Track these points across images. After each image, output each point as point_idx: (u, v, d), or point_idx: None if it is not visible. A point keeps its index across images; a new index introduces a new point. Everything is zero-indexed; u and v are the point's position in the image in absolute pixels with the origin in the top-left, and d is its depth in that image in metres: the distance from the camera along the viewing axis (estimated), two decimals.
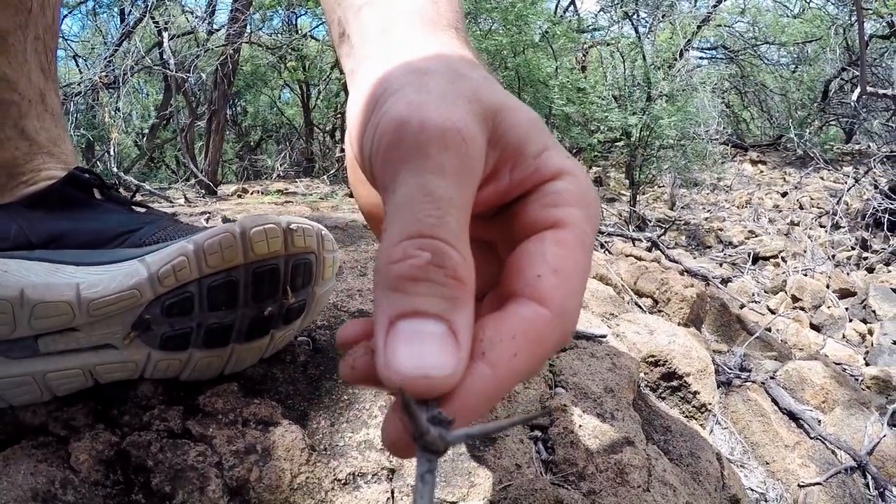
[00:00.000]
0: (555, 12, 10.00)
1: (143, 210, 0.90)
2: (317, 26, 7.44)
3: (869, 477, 1.72)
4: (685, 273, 3.14)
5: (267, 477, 0.68)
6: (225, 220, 1.78)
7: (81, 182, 0.83)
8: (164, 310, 0.71)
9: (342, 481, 0.70)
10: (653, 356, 1.29)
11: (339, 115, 7.41)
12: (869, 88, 6.87)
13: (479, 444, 0.78)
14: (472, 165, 0.34)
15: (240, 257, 0.73)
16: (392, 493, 0.71)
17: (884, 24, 8.81)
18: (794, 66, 13.61)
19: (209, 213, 1.99)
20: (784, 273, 5.61)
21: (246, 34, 5.75)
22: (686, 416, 1.36)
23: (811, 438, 1.72)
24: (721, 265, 5.77)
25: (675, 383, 1.33)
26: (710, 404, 1.37)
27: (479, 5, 4.92)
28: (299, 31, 7.39)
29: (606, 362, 1.04)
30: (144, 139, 7.06)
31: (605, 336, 1.13)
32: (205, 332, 0.74)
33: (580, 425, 0.84)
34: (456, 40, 0.45)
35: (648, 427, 1.09)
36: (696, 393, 1.35)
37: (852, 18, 9.55)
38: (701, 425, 1.41)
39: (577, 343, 1.09)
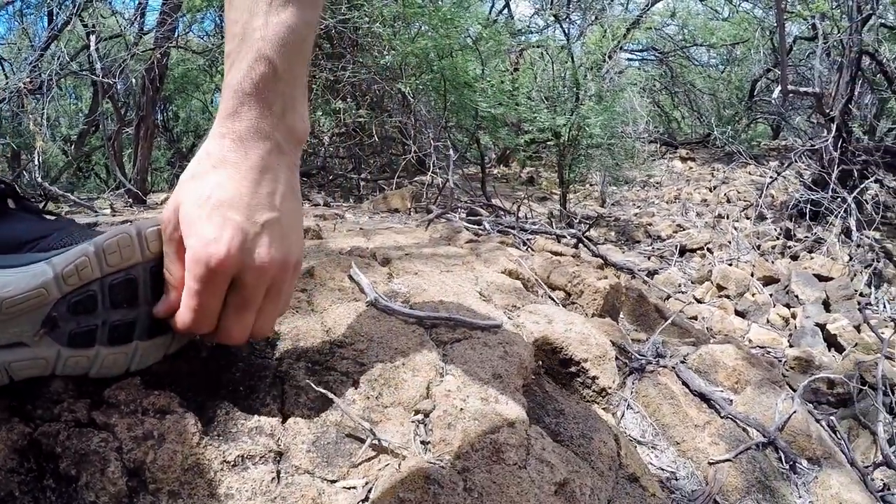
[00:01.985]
0: (489, 15, 10.12)
1: (52, 218, 0.94)
2: None
3: (780, 451, 1.82)
4: (607, 267, 3.24)
5: (160, 459, 0.74)
6: None
7: None
8: (69, 308, 0.76)
9: (231, 463, 0.77)
10: (549, 344, 1.37)
11: None
12: (790, 87, 7.15)
13: (361, 427, 0.84)
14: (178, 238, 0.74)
15: (137, 256, 0.79)
16: (278, 473, 0.77)
17: (808, 26, 9.13)
18: (722, 66, 14.03)
19: (130, 222, 2.01)
20: (710, 263, 5.80)
21: (175, 37, 5.69)
22: (587, 401, 1.44)
23: (722, 418, 1.80)
24: (649, 258, 5.94)
25: (572, 369, 1.41)
26: (609, 388, 1.45)
27: (406, 9, 4.98)
28: None
29: (498, 350, 1.11)
30: (73, 147, 6.92)
31: (499, 326, 1.20)
32: (109, 329, 0.79)
33: (461, 409, 0.91)
34: (230, 136, 0.75)
35: (541, 410, 1.16)
36: (594, 378, 1.43)
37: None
38: (604, 409, 1.49)
39: (473, 334, 1.16)
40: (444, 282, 1.44)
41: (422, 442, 0.86)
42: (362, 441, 0.84)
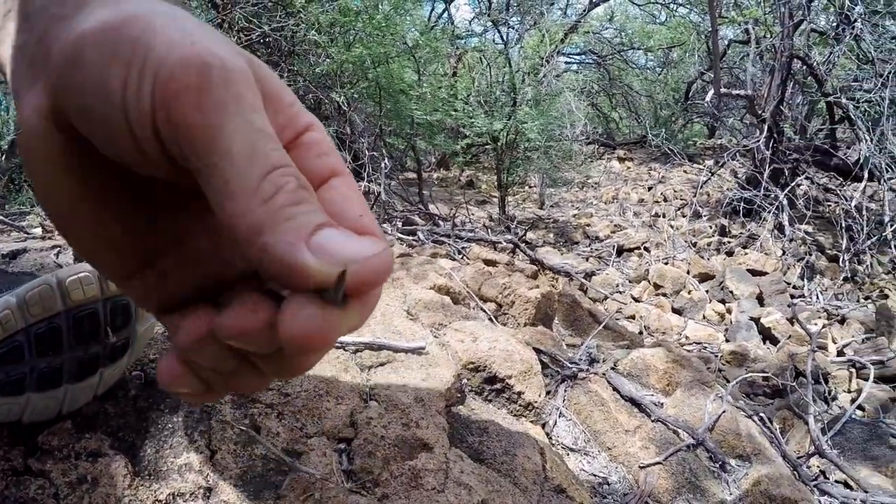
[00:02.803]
0: (428, 19, 10.17)
1: None
2: None
3: (709, 451, 1.89)
4: (544, 271, 3.30)
5: (95, 503, 0.77)
6: (77, 257, 1.78)
7: None
8: None
9: (162, 502, 0.80)
10: (472, 363, 1.42)
11: None
12: (723, 90, 7.38)
13: (287, 458, 0.88)
14: (257, 89, 0.34)
15: (59, 305, 0.82)
16: None
17: (743, 30, 9.41)
18: (659, 69, 14.41)
19: (60, 246, 1.99)
20: (647, 262, 5.94)
21: None
22: (514, 416, 1.49)
23: (652, 421, 1.87)
24: (587, 259, 6.04)
25: (497, 386, 1.46)
26: (535, 402, 1.51)
27: (342, 17, 4.98)
28: None
29: (421, 373, 1.16)
30: (3, 157, 6.73)
31: (422, 348, 1.25)
32: (37, 376, 0.82)
33: (382, 436, 0.96)
34: None
35: (464, 430, 1.21)
36: (520, 393, 1.48)
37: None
38: (532, 422, 1.54)
39: (396, 357, 1.21)
40: None
41: (344, 471, 0.91)
42: (287, 473, 0.88)
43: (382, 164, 4.55)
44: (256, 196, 0.31)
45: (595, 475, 1.60)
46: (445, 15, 11.91)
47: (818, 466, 2.47)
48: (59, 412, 0.87)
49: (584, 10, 11.71)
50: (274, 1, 5.04)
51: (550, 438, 1.60)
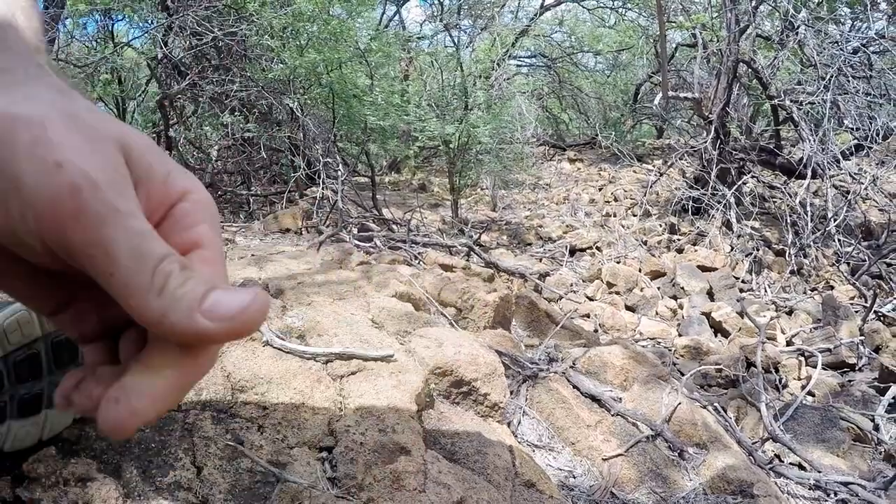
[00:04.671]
0: (380, 22, 10.16)
1: None
2: (138, 36, 7.05)
3: (668, 441, 1.96)
4: (499, 274, 3.35)
5: None
6: None
7: None
8: None
9: None
10: (439, 368, 1.46)
11: (156, 133, 7.16)
12: (671, 92, 7.55)
13: (274, 469, 0.91)
14: (129, 189, 0.37)
15: (37, 331, 0.83)
16: None
17: (690, 34, 9.61)
18: (608, 71, 14.62)
19: None
20: (599, 262, 6.03)
21: (56, 50, 5.48)
22: (482, 416, 1.53)
23: (612, 416, 1.93)
24: (541, 260, 6.09)
25: (464, 389, 1.50)
26: (501, 402, 1.55)
27: (296, 21, 4.96)
28: (115, 39, 7.01)
29: (392, 380, 1.20)
30: None
31: (391, 356, 1.29)
32: (18, 403, 0.83)
33: (361, 442, 0.99)
34: (46, 66, 0.43)
35: (437, 433, 1.25)
36: (486, 395, 1.52)
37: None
38: (499, 422, 1.58)
39: (366, 365, 1.24)
40: (336, 312, 1.51)
41: (328, 478, 0.94)
42: (274, 483, 0.90)
43: (339, 171, 4.54)
44: (152, 290, 0.35)
45: (561, 469, 1.65)
46: (397, 18, 11.97)
47: (773, 451, 2.56)
48: (40, 438, 0.87)
49: (535, 14, 11.85)
50: (227, 4, 4.99)
51: (516, 436, 1.64)
